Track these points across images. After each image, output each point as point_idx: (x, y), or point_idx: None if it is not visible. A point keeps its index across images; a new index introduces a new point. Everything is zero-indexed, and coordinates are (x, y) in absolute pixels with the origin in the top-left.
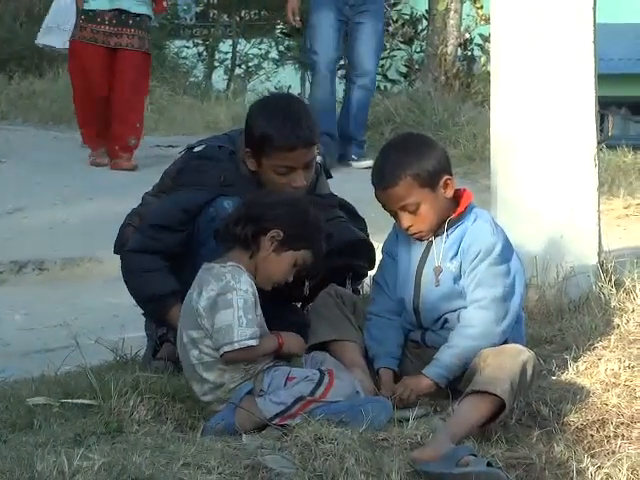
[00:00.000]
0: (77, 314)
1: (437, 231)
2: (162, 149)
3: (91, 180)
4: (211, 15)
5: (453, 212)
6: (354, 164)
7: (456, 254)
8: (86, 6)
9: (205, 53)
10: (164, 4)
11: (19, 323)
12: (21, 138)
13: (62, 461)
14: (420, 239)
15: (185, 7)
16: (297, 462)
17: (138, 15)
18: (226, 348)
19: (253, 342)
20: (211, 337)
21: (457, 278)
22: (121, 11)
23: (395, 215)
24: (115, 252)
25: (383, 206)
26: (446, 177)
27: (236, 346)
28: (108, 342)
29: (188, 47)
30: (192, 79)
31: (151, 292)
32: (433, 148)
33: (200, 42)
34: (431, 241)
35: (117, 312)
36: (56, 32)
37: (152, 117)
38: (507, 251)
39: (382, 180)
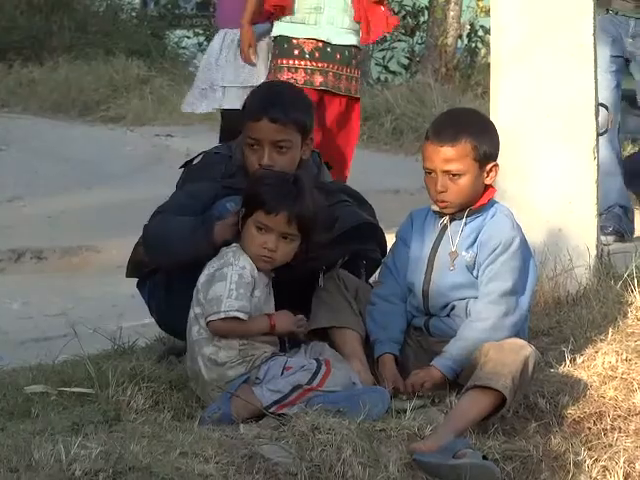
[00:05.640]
0: (75, 303)
1: (455, 215)
2: (161, 138)
3: (90, 169)
4: (211, 5)
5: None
6: None
7: (472, 245)
8: (275, 31)
9: (205, 43)
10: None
11: (17, 312)
12: (20, 126)
13: (59, 449)
14: (440, 210)
15: None
16: (294, 452)
17: (345, 47)
18: (212, 317)
19: (239, 314)
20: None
21: (471, 268)
22: (324, 42)
23: (432, 174)
24: (127, 275)
25: (424, 161)
26: (494, 163)
27: (222, 315)
28: (106, 331)
29: (188, 37)
30: (192, 69)
31: (186, 229)
32: (495, 132)
33: (200, 32)
34: (445, 225)
35: (115, 301)
36: (210, 93)
37: (152, 107)
38: (524, 248)
39: (441, 136)
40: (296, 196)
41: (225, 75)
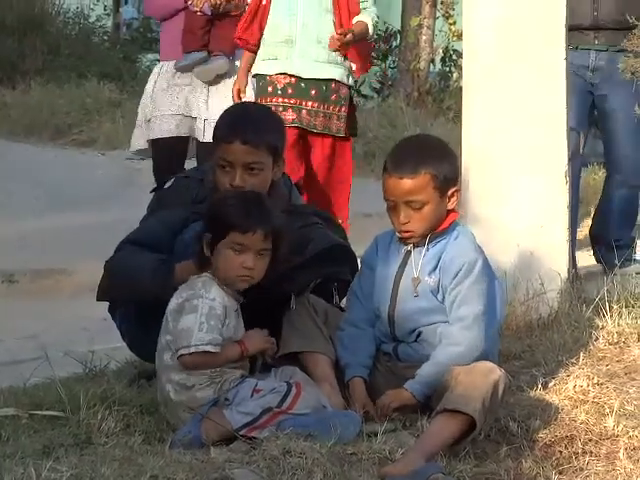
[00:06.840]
0: (46, 326)
1: (419, 242)
2: (133, 162)
3: (61, 193)
4: None
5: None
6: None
7: (435, 268)
8: (253, 69)
9: None
10: (367, 64)
11: None
12: None
13: (30, 473)
14: (405, 241)
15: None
16: (265, 476)
17: (322, 82)
18: (182, 351)
19: (210, 348)
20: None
21: (435, 292)
22: (297, 77)
23: (394, 207)
24: (98, 299)
25: (385, 193)
26: (455, 188)
27: (192, 350)
28: (77, 354)
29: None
30: None
31: (148, 266)
32: (454, 157)
33: None
34: (409, 251)
35: (86, 325)
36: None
37: (123, 130)
38: (487, 269)
39: (400, 168)
40: (263, 210)
41: (157, 104)
